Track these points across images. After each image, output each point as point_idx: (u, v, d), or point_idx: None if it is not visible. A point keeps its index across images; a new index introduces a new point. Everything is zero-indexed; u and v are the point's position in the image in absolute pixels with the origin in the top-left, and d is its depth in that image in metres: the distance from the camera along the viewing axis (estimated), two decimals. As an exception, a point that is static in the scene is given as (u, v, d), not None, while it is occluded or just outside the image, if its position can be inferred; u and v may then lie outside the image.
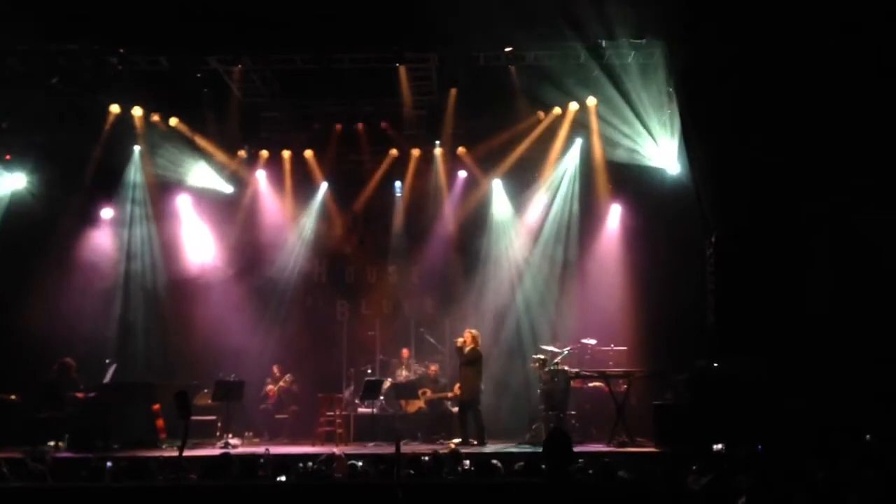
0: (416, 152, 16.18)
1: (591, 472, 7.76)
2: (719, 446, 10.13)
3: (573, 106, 15.02)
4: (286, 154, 16.17)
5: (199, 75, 14.26)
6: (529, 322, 15.57)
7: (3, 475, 7.43)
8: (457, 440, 13.07)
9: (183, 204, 16.11)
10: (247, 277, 15.85)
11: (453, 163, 16.18)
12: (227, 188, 16.23)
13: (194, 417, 12.34)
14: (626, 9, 12.29)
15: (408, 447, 12.53)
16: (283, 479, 8.05)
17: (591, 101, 14.78)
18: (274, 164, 16.25)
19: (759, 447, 9.74)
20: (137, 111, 14.91)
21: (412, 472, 7.91)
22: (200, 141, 15.41)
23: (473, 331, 13.64)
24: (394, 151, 16.13)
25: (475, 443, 13.00)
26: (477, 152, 15.86)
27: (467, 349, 13.43)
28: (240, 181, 16.23)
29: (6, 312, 14.30)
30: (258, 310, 15.53)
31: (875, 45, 11.39)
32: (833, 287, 12.00)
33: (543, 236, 15.96)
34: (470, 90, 14.55)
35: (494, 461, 8.57)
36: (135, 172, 15.57)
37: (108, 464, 8.78)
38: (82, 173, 15.07)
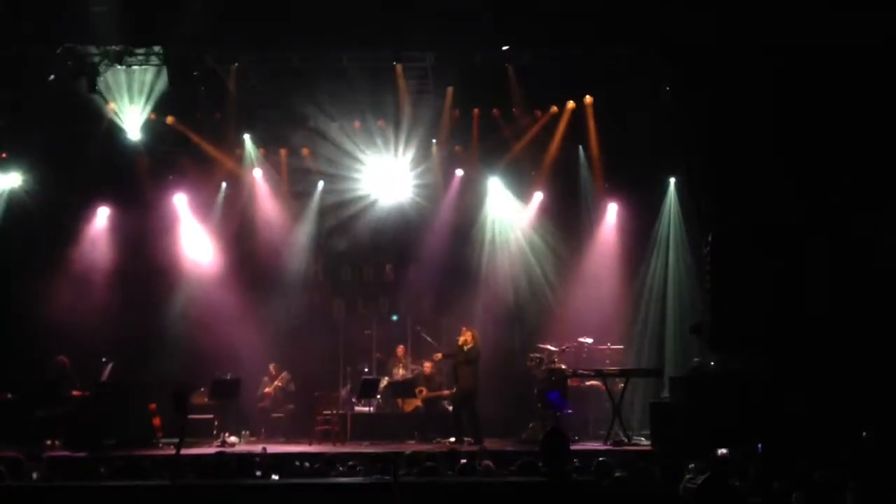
0: (412, 150, 16.14)
1: (587, 470, 7.76)
2: (723, 451, 10.06)
3: (570, 104, 15.05)
4: (283, 152, 16.15)
5: (195, 73, 14.24)
6: (526, 320, 15.59)
7: (0, 474, 7.41)
8: (452, 439, 13.08)
9: (179, 202, 16.08)
10: (243, 276, 15.82)
11: (450, 161, 16.17)
12: (224, 186, 16.22)
13: (191, 416, 12.43)
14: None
15: (404, 446, 12.55)
16: (276, 477, 8.06)
17: (588, 99, 14.81)
18: (270, 162, 16.23)
19: (759, 446, 9.75)
20: (134, 109, 14.86)
21: (409, 471, 7.90)
22: (197, 139, 15.38)
23: (473, 329, 13.65)
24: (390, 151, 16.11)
25: (471, 441, 12.99)
26: (474, 150, 15.85)
27: (468, 347, 13.43)
28: (236, 179, 16.21)
29: (2, 311, 14.27)
30: (254, 308, 15.51)
31: (872, 45, 11.40)
32: (830, 286, 12.00)
33: (540, 234, 15.98)
34: (466, 89, 14.56)
35: (490, 461, 8.58)
36: (131, 171, 15.52)
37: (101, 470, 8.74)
38: (78, 172, 15.04)
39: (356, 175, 15.99)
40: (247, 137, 15.66)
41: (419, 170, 16.02)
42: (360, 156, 15.77)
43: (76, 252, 15.26)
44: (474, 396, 13.39)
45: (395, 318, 16.40)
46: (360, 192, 16.16)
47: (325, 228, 16.48)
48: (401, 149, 15.75)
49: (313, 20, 12.39)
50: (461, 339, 13.50)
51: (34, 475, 8.19)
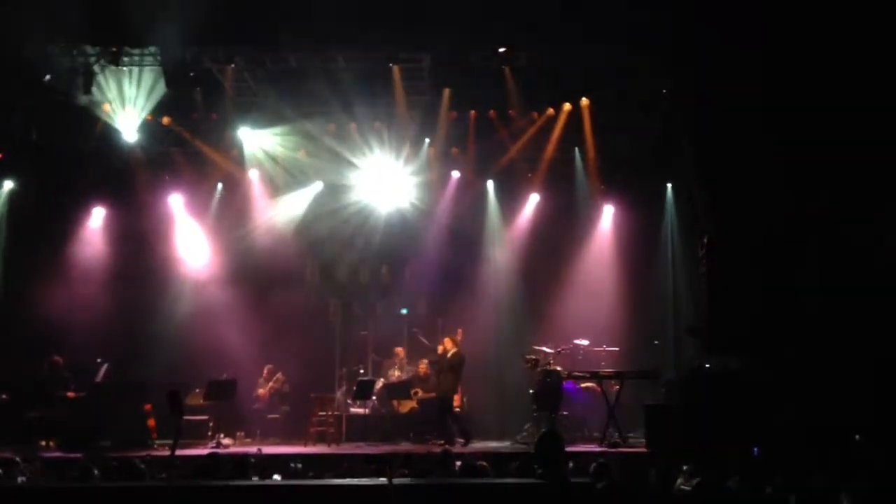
0: (409, 152, 16.13)
1: (582, 472, 7.76)
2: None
3: (566, 106, 15.05)
4: (279, 152, 16.13)
5: (191, 74, 14.23)
6: (522, 322, 15.58)
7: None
8: (441, 442, 13.04)
9: (175, 203, 16.06)
10: (239, 276, 15.81)
11: (446, 162, 16.16)
12: (220, 187, 16.20)
13: (186, 417, 12.42)
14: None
15: (399, 447, 12.55)
16: (278, 477, 8.07)
17: (585, 101, 14.82)
18: (266, 163, 16.20)
19: (755, 449, 9.75)
20: (130, 110, 14.83)
21: (405, 472, 7.90)
22: (193, 139, 15.36)
23: (452, 336, 13.70)
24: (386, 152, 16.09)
25: (462, 442, 13.01)
26: (470, 152, 15.85)
27: (450, 354, 13.46)
28: (232, 180, 16.19)
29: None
30: (250, 309, 15.48)
31: (871, 45, 11.42)
32: (825, 288, 12.04)
33: (536, 236, 15.97)
34: (463, 90, 14.56)
35: (486, 462, 8.58)
36: (127, 171, 15.49)
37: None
38: (74, 172, 15.02)
39: (352, 176, 15.97)
40: (243, 138, 15.63)
41: (415, 171, 16.00)
42: (357, 157, 15.75)
43: (72, 252, 15.23)
44: (451, 401, 13.47)
45: (404, 311, 16.36)
46: (357, 193, 16.15)
47: (320, 229, 16.45)
48: (397, 150, 15.75)
49: (310, 21, 12.39)
50: (440, 348, 13.58)
51: (27, 476, 8.16)
